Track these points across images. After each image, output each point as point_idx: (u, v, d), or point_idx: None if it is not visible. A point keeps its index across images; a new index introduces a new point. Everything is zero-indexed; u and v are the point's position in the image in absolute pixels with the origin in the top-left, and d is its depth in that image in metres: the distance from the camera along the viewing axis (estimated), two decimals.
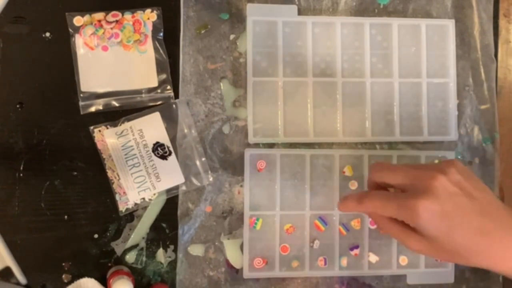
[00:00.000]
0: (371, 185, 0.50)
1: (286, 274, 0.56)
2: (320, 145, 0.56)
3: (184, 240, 0.54)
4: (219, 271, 0.55)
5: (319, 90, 0.56)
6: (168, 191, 0.54)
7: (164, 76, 0.54)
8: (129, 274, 0.52)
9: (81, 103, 0.53)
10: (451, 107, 0.58)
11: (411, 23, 0.58)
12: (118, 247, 0.54)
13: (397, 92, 0.57)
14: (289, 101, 0.56)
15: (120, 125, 0.53)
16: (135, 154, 0.53)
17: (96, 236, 0.54)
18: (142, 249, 0.54)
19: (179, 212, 0.54)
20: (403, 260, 0.57)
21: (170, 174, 0.53)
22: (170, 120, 0.54)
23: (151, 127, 0.53)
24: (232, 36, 0.55)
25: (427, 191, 0.43)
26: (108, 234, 0.54)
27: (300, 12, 0.56)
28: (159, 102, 0.54)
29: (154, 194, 0.54)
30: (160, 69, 0.54)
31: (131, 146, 0.53)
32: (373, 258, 0.56)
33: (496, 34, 0.60)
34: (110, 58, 0.53)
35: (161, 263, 0.54)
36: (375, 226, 0.56)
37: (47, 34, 0.53)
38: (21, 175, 0.53)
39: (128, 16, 0.53)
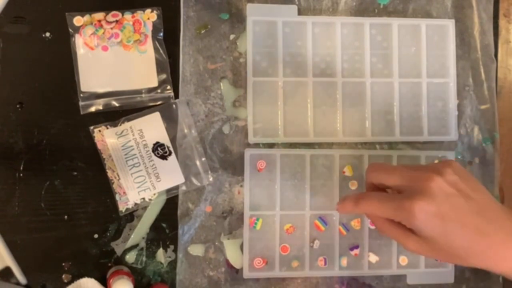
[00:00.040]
0: (369, 186, 0.50)
1: (286, 274, 0.56)
2: (320, 145, 0.56)
3: (184, 240, 0.54)
4: (219, 271, 0.55)
5: (319, 90, 0.56)
6: (168, 191, 0.54)
7: (164, 76, 0.54)
8: (129, 274, 0.52)
9: (81, 103, 0.53)
10: (451, 107, 0.58)
11: (411, 23, 0.57)
12: (118, 247, 0.54)
13: (397, 92, 0.57)
14: (289, 101, 0.56)
15: (120, 125, 0.53)
16: (135, 154, 0.53)
17: (96, 236, 0.54)
18: (142, 249, 0.54)
19: (179, 212, 0.54)
20: (403, 260, 0.57)
21: (170, 174, 0.53)
22: (170, 120, 0.54)
23: (151, 127, 0.53)
24: (232, 36, 0.55)
25: (423, 192, 0.43)
26: (108, 234, 0.54)
27: (300, 12, 0.56)
28: (159, 102, 0.54)
29: (154, 194, 0.54)
30: (160, 69, 0.54)
31: (131, 146, 0.53)
32: (373, 258, 0.56)
33: (496, 34, 0.60)
34: (110, 58, 0.53)
35: (161, 263, 0.54)
36: (374, 226, 0.56)
37: (47, 34, 0.53)
38: (21, 175, 0.53)
39: (128, 16, 0.53)
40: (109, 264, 0.54)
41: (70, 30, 0.53)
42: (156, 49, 0.54)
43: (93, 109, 0.53)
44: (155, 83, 0.54)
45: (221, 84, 0.55)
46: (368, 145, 0.57)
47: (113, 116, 0.54)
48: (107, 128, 0.53)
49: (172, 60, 0.54)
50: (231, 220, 0.55)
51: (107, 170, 0.53)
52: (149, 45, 0.53)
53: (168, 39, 0.54)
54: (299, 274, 0.56)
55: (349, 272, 0.56)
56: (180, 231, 0.54)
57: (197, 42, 0.55)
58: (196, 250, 0.55)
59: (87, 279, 0.52)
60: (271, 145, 0.56)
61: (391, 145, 0.57)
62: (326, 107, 0.56)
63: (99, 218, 0.54)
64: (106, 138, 0.53)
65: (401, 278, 0.57)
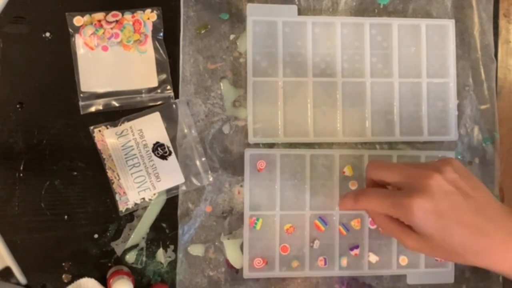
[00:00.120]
0: (369, 183, 0.50)
1: (286, 274, 0.56)
2: (320, 145, 0.56)
3: (184, 240, 0.54)
4: (219, 271, 0.55)
5: (319, 90, 0.56)
6: (168, 191, 0.54)
7: (164, 76, 0.54)
8: (129, 274, 0.52)
9: (81, 103, 0.53)
10: (451, 107, 0.58)
11: (411, 23, 0.57)
12: (118, 247, 0.54)
13: (397, 92, 0.57)
14: (289, 101, 0.56)
15: (120, 125, 0.53)
16: (135, 154, 0.53)
17: (96, 236, 0.54)
18: (142, 249, 0.54)
19: (179, 212, 0.54)
20: (403, 260, 0.57)
21: (170, 174, 0.53)
22: (170, 120, 0.54)
23: (151, 127, 0.53)
24: (232, 36, 0.55)
25: (422, 190, 0.43)
26: (108, 234, 0.54)
27: (300, 12, 0.56)
28: (159, 102, 0.54)
29: (154, 194, 0.54)
30: (160, 69, 0.54)
31: (131, 146, 0.53)
32: (373, 258, 0.56)
33: (496, 34, 0.60)
34: (110, 58, 0.53)
35: (161, 263, 0.54)
36: (375, 226, 0.56)
37: (47, 34, 0.53)
38: (21, 175, 0.53)
39: (128, 16, 0.53)
40: (109, 264, 0.54)
41: (70, 30, 0.53)
42: (156, 49, 0.54)
43: (93, 109, 0.53)
44: (155, 83, 0.54)
45: (221, 84, 0.55)
46: (368, 145, 0.57)
47: (113, 116, 0.54)
48: (107, 128, 0.53)
49: (172, 60, 0.54)
50: (231, 220, 0.55)
51: (107, 170, 0.53)
52: (149, 45, 0.53)
53: (168, 39, 0.54)
54: (299, 274, 0.56)
55: (349, 272, 0.56)
56: (180, 231, 0.54)
57: (197, 42, 0.55)
58: (196, 250, 0.55)
59: (87, 279, 0.52)
60: (271, 145, 0.56)
61: (391, 145, 0.57)
62: (326, 107, 0.56)
63: (99, 218, 0.54)
64: (106, 138, 0.53)
65: (401, 278, 0.57)
